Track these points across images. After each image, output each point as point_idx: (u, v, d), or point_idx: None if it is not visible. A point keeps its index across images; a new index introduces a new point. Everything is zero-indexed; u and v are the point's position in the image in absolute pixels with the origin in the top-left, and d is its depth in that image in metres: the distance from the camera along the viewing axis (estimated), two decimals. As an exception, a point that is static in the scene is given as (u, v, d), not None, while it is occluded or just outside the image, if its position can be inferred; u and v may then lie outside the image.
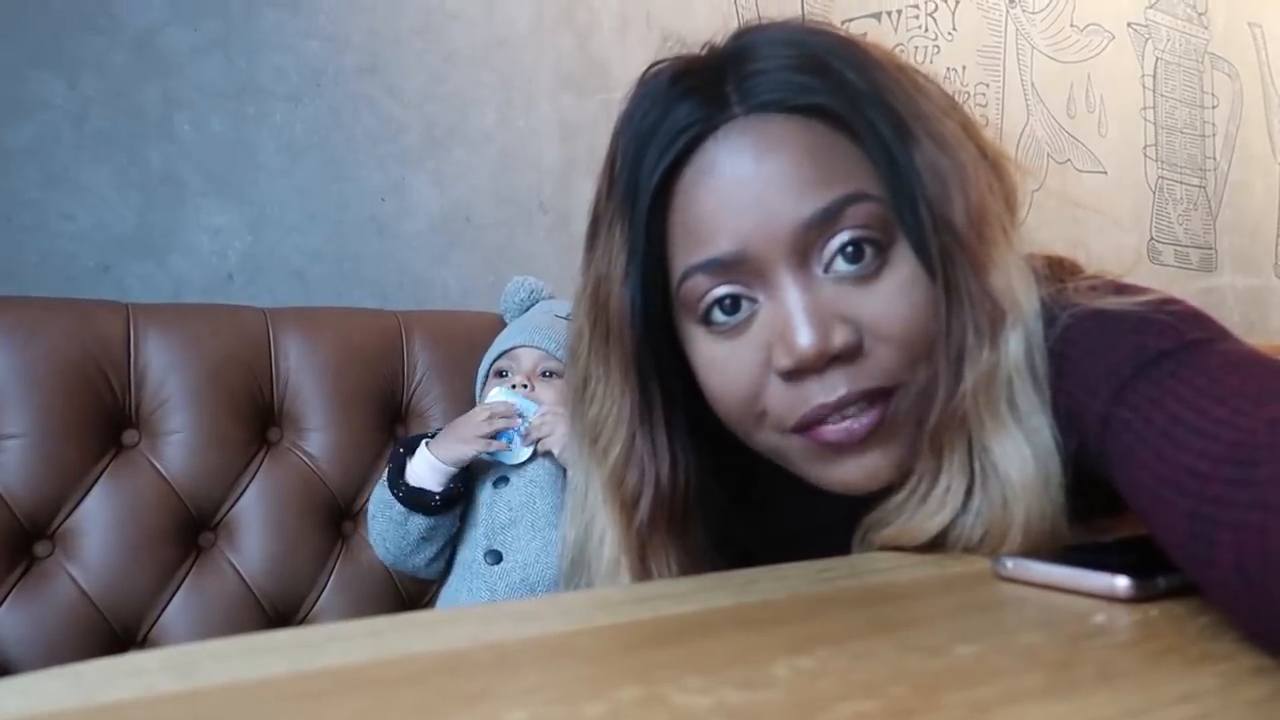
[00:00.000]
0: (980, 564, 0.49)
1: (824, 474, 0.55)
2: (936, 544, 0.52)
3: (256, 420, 1.17)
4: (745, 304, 0.53)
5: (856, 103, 0.52)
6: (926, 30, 2.14)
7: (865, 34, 2.02)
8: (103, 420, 1.08)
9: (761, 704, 0.29)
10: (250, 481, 1.15)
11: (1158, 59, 2.68)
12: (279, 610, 1.13)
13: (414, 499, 1.06)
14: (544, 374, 1.14)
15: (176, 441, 1.11)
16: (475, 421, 1.08)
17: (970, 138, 0.54)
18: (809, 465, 0.55)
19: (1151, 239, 2.62)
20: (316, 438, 1.19)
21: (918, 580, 0.47)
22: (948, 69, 2.18)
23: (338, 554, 1.19)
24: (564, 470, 1.11)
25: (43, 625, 1.01)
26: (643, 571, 0.58)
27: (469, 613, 0.46)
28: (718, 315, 0.53)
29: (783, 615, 0.42)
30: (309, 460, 1.18)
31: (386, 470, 1.10)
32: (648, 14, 1.65)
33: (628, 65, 1.62)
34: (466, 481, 1.10)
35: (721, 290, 0.53)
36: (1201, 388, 0.42)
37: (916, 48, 2.12)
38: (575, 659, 0.35)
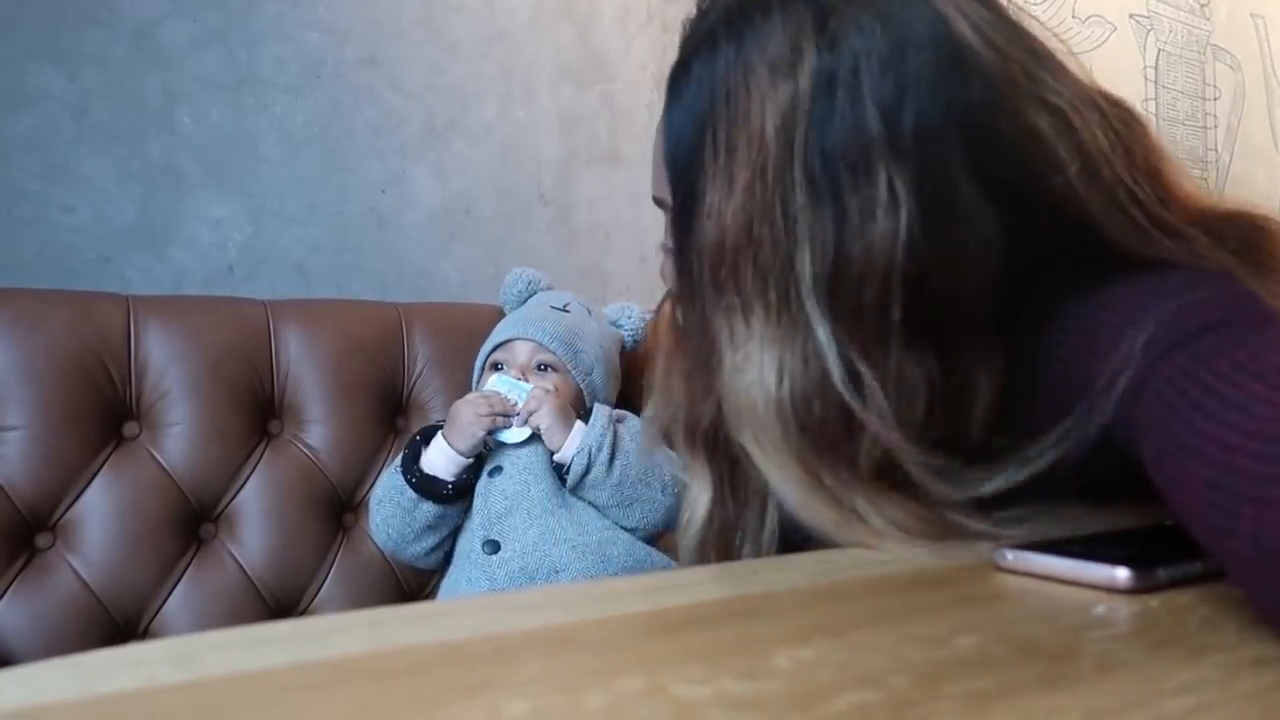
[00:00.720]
0: (980, 555, 0.49)
1: None
2: None
3: (257, 412, 1.17)
4: None
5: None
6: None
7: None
8: (103, 412, 1.08)
9: (762, 694, 0.29)
10: (251, 473, 1.15)
11: (1159, 50, 2.67)
12: (280, 602, 1.13)
13: (426, 486, 1.07)
14: (539, 366, 1.14)
15: (177, 433, 1.11)
16: (475, 403, 1.09)
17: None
18: None
19: (1154, 230, 2.61)
20: (317, 430, 1.19)
21: (918, 571, 0.47)
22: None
23: (338, 546, 1.19)
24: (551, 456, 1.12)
25: (43, 617, 1.01)
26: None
27: (469, 604, 0.46)
28: None
29: (783, 606, 0.42)
30: (309, 452, 1.18)
31: (401, 456, 1.10)
32: (648, 5, 1.65)
33: (629, 57, 1.62)
34: (477, 469, 1.11)
35: None
36: (1240, 363, 0.42)
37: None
38: (576, 650, 0.35)
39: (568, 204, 1.56)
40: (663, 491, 1.09)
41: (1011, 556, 0.46)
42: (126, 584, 1.05)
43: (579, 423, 1.10)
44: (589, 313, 1.24)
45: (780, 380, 0.49)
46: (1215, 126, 2.80)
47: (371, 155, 1.38)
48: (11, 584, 1.01)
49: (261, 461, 1.16)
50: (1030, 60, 0.52)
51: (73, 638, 1.01)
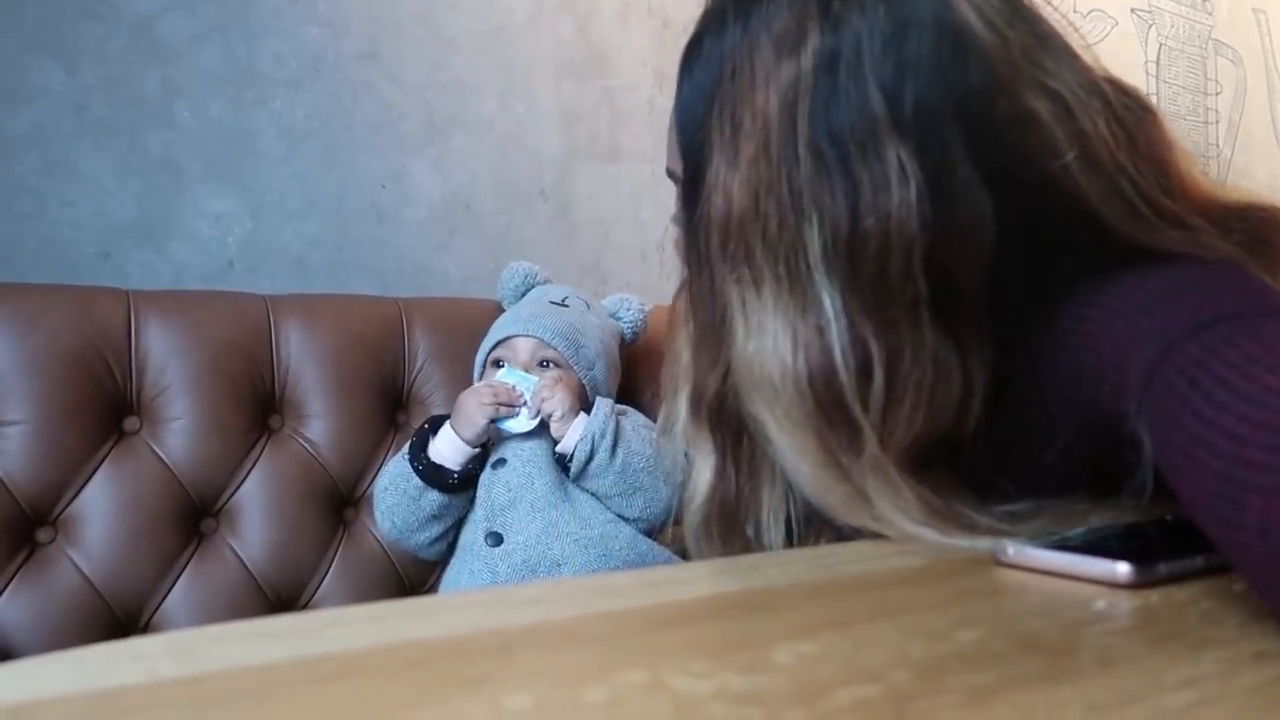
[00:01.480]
0: (981, 551, 0.49)
1: None
2: None
3: (257, 407, 1.17)
4: None
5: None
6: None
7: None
8: (104, 407, 1.08)
9: (763, 688, 0.29)
10: (251, 468, 1.15)
11: (1161, 45, 2.67)
12: (281, 596, 1.14)
13: (432, 474, 1.07)
14: (541, 363, 1.14)
15: (178, 428, 1.11)
16: (480, 392, 1.10)
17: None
18: None
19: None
20: (317, 425, 1.19)
21: (919, 567, 0.47)
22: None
23: (339, 540, 1.19)
24: (554, 449, 1.12)
25: (45, 611, 1.01)
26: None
27: (470, 597, 0.46)
28: None
29: (785, 601, 0.42)
30: (310, 447, 1.18)
31: (409, 444, 1.10)
32: (648, 1, 1.64)
33: (628, 52, 1.62)
34: (483, 460, 1.11)
35: None
36: (1252, 354, 0.42)
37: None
38: (577, 644, 0.35)
39: (568, 199, 1.56)
40: (665, 481, 1.09)
41: (1013, 551, 0.46)
42: (127, 578, 1.05)
43: (582, 414, 1.10)
44: (588, 306, 1.24)
45: (796, 352, 0.49)
46: (1216, 122, 2.80)
47: (371, 150, 1.38)
48: (13, 579, 1.01)
49: (262, 456, 1.16)
50: (1034, 45, 0.52)
51: (73, 632, 1.01)
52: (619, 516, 1.09)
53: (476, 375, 1.21)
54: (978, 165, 0.49)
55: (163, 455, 1.10)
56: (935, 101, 0.48)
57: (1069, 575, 0.43)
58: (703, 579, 0.45)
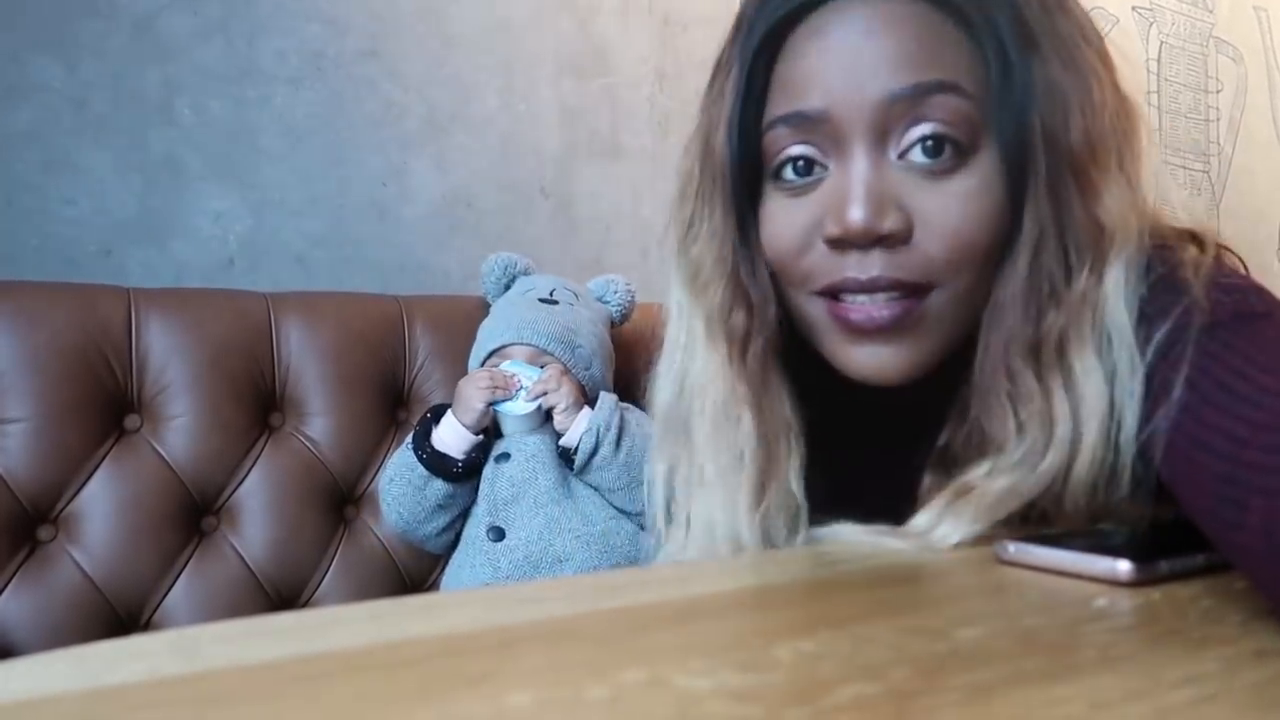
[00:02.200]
0: (982, 548, 0.49)
1: (838, 351, 0.55)
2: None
3: (258, 405, 1.17)
4: (817, 169, 0.54)
5: (984, 3, 0.51)
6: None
7: None
8: (105, 405, 1.08)
9: (763, 686, 0.29)
10: (252, 466, 1.15)
11: (1162, 43, 2.66)
12: (281, 594, 1.14)
13: (437, 463, 1.08)
14: (539, 368, 1.14)
15: (178, 426, 1.11)
16: (476, 378, 1.11)
17: (1106, 70, 0.54)
18: (828, 337, 0.55)
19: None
20: (318, 422, 1.19)
21: (919, 564, 0.47)
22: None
23: (340, 538, 1.19)
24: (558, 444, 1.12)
25: (46, 609, 1.02)
26: (758, 406, 0.57)
27: (471, 595, 0.46)
28: (788, 173, 0.54)
29: (784, 599, 0.42)
30: (311, 445, 1.18)
31: (411, 434, 1.11)
32: (649, -2, 1.64)
33: (629, 49, 1.62)
34: (486, 448, 1.12)
35: (797, 149, 0.54)
36: (1252, 357, 0.42)
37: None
38: (578, 642, 0.35)
39: (568, 197, 1.56)
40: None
41: (1013, 549, 0.46)
42: (128, 576, 1.06)
43: (586, 407, 1.11)
44: (576, 297, 1.23)
45: None
46: (1217, 119, 2.80)
47: (372, 148, 1.38)
48: (13, 576, 1.01)
49: (263, 454, 1.16)
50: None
51: (75, 630, 1.01)
52: (621, 512, 1.09)
53: None
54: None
55: (163, 453, 1.10)
56: None
57: (1070, 573, 0.43)
58: (702, 577, 0.45)
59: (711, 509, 0.58)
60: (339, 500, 1.20)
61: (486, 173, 1.48)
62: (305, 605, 1.16)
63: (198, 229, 1.25)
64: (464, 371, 1.25)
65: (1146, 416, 0.46)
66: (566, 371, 1.12)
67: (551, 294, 1.20)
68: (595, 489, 1.11)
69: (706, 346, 0.59)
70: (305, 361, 1.19)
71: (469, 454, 1.10)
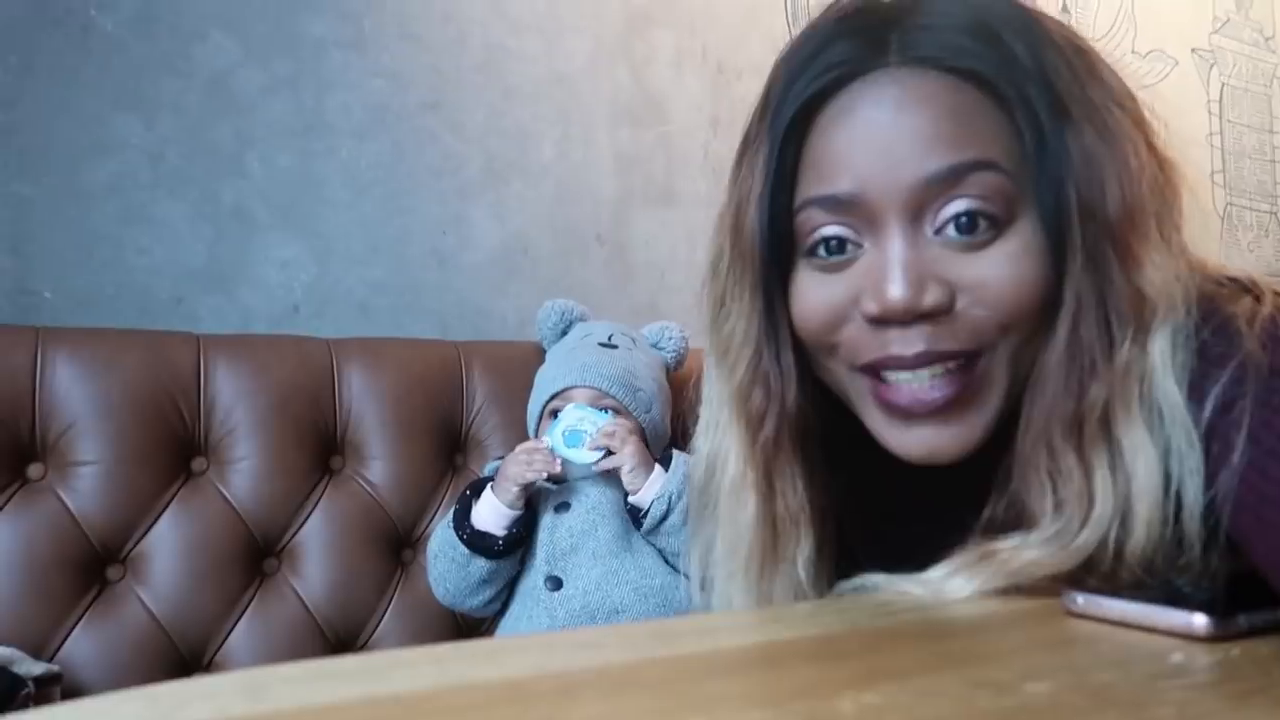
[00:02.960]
0: (1048, 599, 0.47)
1: (886, 434, 0.54)
2: None
3: (320, 448, 1.19)
4: (850, 247, 0.54)
5: (1015, 75, 0.51)
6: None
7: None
8: (173, 447, 1.11)
9: (828, 739, 0.29)
10: (313, 509, 1.17)
11: (1224, 84, 2.62)
12: (340, 636, 1.15)
13: (478, 541, 1.07)
14: (600, 411, 1.14)
15: (243, 469, 1.14)
16: (517, 457, 1.09)
17: (1141, 134, 0.53)
18: (874, 418, 0.55)
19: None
20: (378, 466, 1.21)
21: (983, 614, 0.46)
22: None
23: (397, 581, 1.20)
24: (624, 497, 1.11)
25: (113, 647, 1.04)
26: (768, 490, 0.58)
27: (530, 641, 0.46)
28: (822, 251, 0.54)
29: (845, 649, 0.42)
30: (370, 488, 1.20)
31: (452, 512, 1.10)
32: (703, 47, 1.67)
33: (683, 98, 1.64)
34: (529, 521, 1.11)
35: (831, 230, 0.54)
36: None
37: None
38: (638, 690, 0.35)
39: (623, 243, 1.57)
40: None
41: (1082, 600, 0.45)
42: (193, 616, 1.08)
43: (658, 467, 1.09)
44: (634, 342, 1.24)
45: None
46: (1283, 160, 2.74)
47: (432, 197, 1.41)
48: (84, 614, 1.04)
49: (324, 497, 1.18)
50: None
51: (140, 668, 1.03)
52: (679, 571, 1.08)
53: (532, 426, 1.21)
54: None
55: (228, 495, 1.13)
56: None
57: (1142, 626, 0.42)
58: (759, 626, 0.45)
59: (730, 588, 0.58)
60: (397, 544, 1.21)
61: (543, 220, 1.50)
62: (363, 647, 1.16)
63: (265, 277, 1.29)
64: (521, 416, 1.26)
65: (1210, 475, 0.45)
66: (632, 430, 1.10)
67: (610, 339, 1.20)
68: (657, 549, 1.10)
69: (729, 426, 0.60)
70: (366, 406, 1.21)
71: (510, 530, 1.08)
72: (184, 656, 1.07)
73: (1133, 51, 2.44)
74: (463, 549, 1.07)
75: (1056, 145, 0.50)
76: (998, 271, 0.51)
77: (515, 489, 1.07)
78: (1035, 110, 0.51)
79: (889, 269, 0.51)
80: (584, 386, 1.14)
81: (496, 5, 1.47)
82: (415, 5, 1.41)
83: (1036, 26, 0.53)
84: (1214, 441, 0.45)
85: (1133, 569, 0.48)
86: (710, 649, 0.40)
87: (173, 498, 1.10)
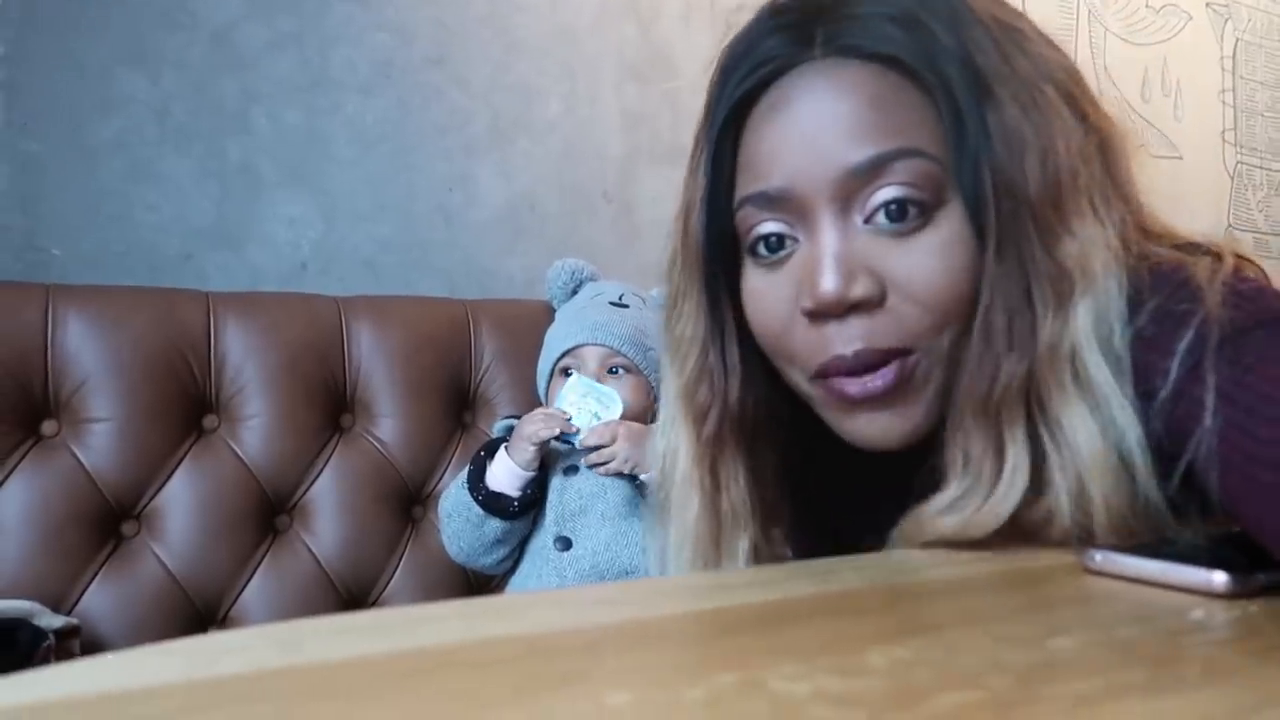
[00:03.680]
0: (1065, 557, 0.48)
1: (841, 423, 0.55)
2: (1017, 533, 0.51)
3: (330, 406, 1.19)
4: (788, 242, 0.54)
5: (936, 58, 0.51)
6: (996, 13, 2.10)
7: None
8: (185, 405, 1.11)
9: (862, 691, 0.29)
10: (324, 466, 1.18)
11: (1238, 40, 2.59)
12: (351, 592, 1.16)
13: (492, 502, 1.07)
14: (611, 370, 1.14)
15: (254, 426, 1.14)
16: (533, 419, 1.09)
17: (1075, 107, 0.53)
18: (830, 413, 0.56)
19: (1229, 225, 2.53)
20: (387, 424, 1.22)
21: (1002, 572, 0.47)
22: (1018, 52, 2.13)
23: (408, 538, 1.21)
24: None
25: (129, 602, 1.05)
26: (712, 485, 0.60)
27: (554, 596, 0.47)
28: (762, 249, 0.55)
29: (868, 605, 0.42)
30: (380, 446, 1.21)
31: (466, 472, 1.10)
32: (711, 2, 1.64)
33: (691, 54, 1.62)
34: (542, 482, 1.11)
35: (767, 226, 0.54)
36: None
37: (985, 31, 2.08)
38: (665, 643, 0.35)
39: (630, 201, 1.56)
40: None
41: (1100, 557, 0.45)
42: (207, 571, 1.09)
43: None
44: (643, 302, 1.24)
45: None
46: (1298, 117, 2.71)
47: (439, 154, 1.40)
48: (100, 570, 1.05)
49: (334, 454, 1.19)
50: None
51: (156, 623, 1.05)
52: None
53: (543, 385, 1.21)
54: None
55: (240, 452, 1.13)
56: None
57: (1160, 584, 0.42)
58: (777, 582, 0.45)
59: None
60: (407, 500, 1.22)
61: (550, 178, 1.49)
62: (374, 602, 1.18)
63: (272, 234, 1.29)
64: (529, 374, 1.26)
65: (1182, 436, 0.45)
66: (619, 430, 1.09)
67: (620, 298, 1.20)
68: None
69: (679, 423, 0.61)
70: (375, 364, 1.22)
71: (524, 490, 1.09)
72: (199, 611, 1.08)
73: (1146, 6, 2.40)
74: (477, 509, 1.07)
75: (976, 124, 0.50)
76: (928, 263, 0.51)
77: (532, 448, 1.07)
78: (953, 91, 0.51)
79: (820, 261, 0.52)
80: (595, 344, 1.14)
81: (502, -43, 1.45)
82: (420, -43, 1.39)
83: (962, 7, 0.53)
84: (1180, 403, 0.45)
85: (1114, 526, 0.48)
86: (732, 604, 0.40)
87: (185, 454, 1.11)
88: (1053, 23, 2.19)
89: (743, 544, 0.59)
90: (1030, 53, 0.53)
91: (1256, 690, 0.29)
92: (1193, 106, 2.46)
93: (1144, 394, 0.48)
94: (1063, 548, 0.48)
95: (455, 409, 1.27)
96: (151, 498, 1.08)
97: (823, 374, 0.53)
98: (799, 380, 0.56)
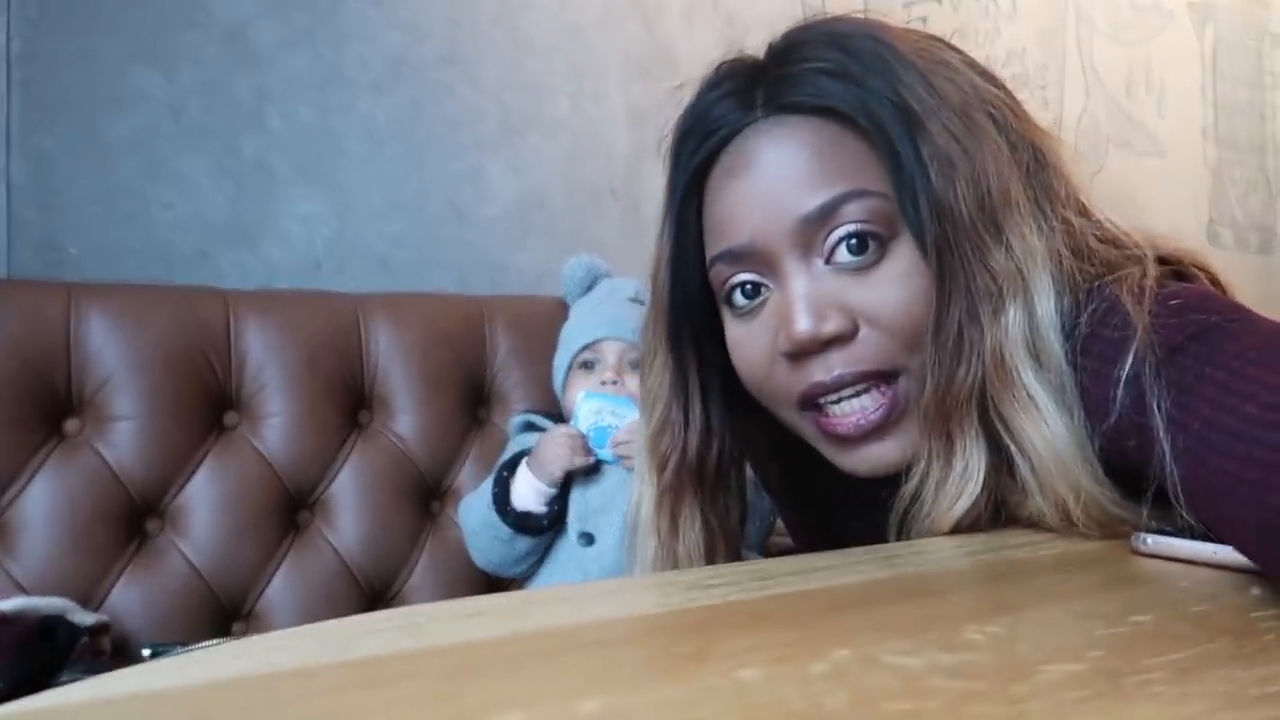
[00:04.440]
0: (1111, 542, 0.50)
1: (838, 458, 0.59)
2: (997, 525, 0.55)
3: (348, 403, 1.20)
4: (763, 289, 0.58)
5: (869, 104, 0.55)
6: (987, 13, 2.13)
7: (925, 19, 2.01)
8: (206, 403, 1.12)
9: (974, 664, 0.31)
10: (344, 463, 1.18)
11: (1217, 38, 2.64)
12: (374, 586, 1.17)
13: (522, 522, 1.08)
14: (631, 364, 1.15)
15: (275, 424, 1.15)
16: (558, 441, 1.08)
17: (1000, 125, 0.57)
18: (825, 448, 0.60)
19: (1211, 220, 2.59)
20: (405, 420, 1.23)
21: (1058, 555, 0.49)
22: (1008, 51, 2.17)
23: (427, 532, 1.22)
24: None
25: (156, 598, 1.05)
26: (670, 530, 0.65)
27: (639, 583, 0.48)
28: (739, 299, 0.59)
29: (945, 586, 0.44)
30: (398, 441, 1.22)
31: (490, 493, 1.09)
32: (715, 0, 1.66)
33: (695, 51, 1.64)
34: (566, 484, 1.11)
35: (739, 278, 0.58)
36: (1225, 385, 0.42)
37: (977, 30, 2.11)
38: (771, 624, 0.37)
39: (638, 198, 1.58)
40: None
41: (1150, 541, 0.48)
42: (231, 567, 1.10)
43: None
44: None
45: None
46: (1274, 115, 2.77)
47: (450, 151, 1.41)
48: (126, 567, 1.05)
49: (353, 451, 1.19)
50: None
51: (183, 618, 1.05)
52: None
53: (560, 379, 1.21)
54: None
55: (261, 450, 1.14)
56: None
57: (1210, 564, 0.45)
58: (851, 566, 0.47)
59: None
60: (425, 495, 1.23)
61: (559, 175, 1.50)
62: (394, 598, 1.19)
63: (287, 231, 1.29)
64: (543, 370, 1.27)
65: (1143, 463, 0.47)
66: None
67: (636, 295, 1.22)
68: None
69: (643, 471, 0.66)
70: (392, 361, 1.23)
71: (551, 506, 1.09)
72: (224, 606, 1.09)
73: (1130, 6, 2.44)
74: (507, 529, 1.07)
75: (913, 160, 0.54)
76: (890, 295, 0.55)
77: (558, 474, 1.07)
78: (889, 132, 0.54)
79: (792, 306, 0.56)
80: (614, 339, 1.16)
81: (510, -44, 1.46)
82: (430, -44, 1.39)
83: (890, 51, 0.56)
84: (1132, 434, 0.47)
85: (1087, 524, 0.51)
86: (818, 588, 0.42)
87: (208, 452, 1.11)
88: (1041, 22, 2.23)
89: None
90: (958, 82, 0.57)
91: (1336, 657, 0.32)
92: (1175, 104, 2.51)
93: (1094, 418, 0.51)
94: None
95: (471, 404, 1.28)
96: (175, 495, 1.09)
97: (806, 401, 0.57)
98: (791, 417, 0.60)
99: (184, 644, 0.88)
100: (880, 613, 0.38)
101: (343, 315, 1.21)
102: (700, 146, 0.59)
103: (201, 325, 1.12)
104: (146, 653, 0.91)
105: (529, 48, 1.48)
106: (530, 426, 1.20)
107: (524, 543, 1.08)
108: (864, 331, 0.55)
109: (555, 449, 1.08)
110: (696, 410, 0.64)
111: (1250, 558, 0.42)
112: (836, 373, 0.55)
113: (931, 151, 0.54)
